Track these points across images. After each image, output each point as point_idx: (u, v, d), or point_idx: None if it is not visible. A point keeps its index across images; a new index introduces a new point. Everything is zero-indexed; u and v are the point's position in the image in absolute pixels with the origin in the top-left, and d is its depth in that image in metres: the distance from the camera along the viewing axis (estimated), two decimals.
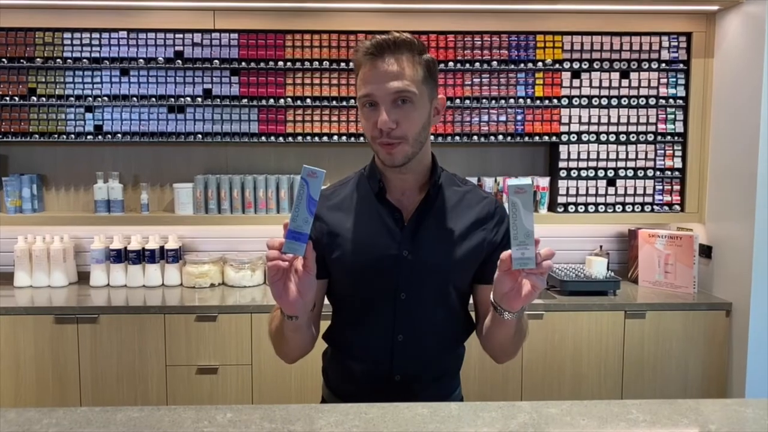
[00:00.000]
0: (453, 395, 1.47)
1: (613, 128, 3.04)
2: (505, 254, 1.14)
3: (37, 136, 2.95)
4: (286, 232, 1.13)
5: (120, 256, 3.01)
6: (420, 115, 1.30)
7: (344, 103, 2.98)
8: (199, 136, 2.98)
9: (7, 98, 2.92)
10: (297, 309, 1.20)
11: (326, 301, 1.44)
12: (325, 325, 1.46)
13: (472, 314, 1.47)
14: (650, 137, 3.05)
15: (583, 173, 3.05)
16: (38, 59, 2.91)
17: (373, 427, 1.15)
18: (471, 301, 1.46)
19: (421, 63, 1.29)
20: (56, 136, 2.96)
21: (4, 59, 2.90)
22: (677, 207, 3.08)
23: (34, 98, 2.93)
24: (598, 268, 2.96)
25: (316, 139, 3.00)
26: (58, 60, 2.92)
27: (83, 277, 3.12)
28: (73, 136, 2.95)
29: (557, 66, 3.00)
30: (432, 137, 2.95)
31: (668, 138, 3.06)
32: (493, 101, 3.01)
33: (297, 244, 1.12)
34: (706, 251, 2.98)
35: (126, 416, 1.19)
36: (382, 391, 1.37)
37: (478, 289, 1.42)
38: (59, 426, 1.15)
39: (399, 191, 1.38)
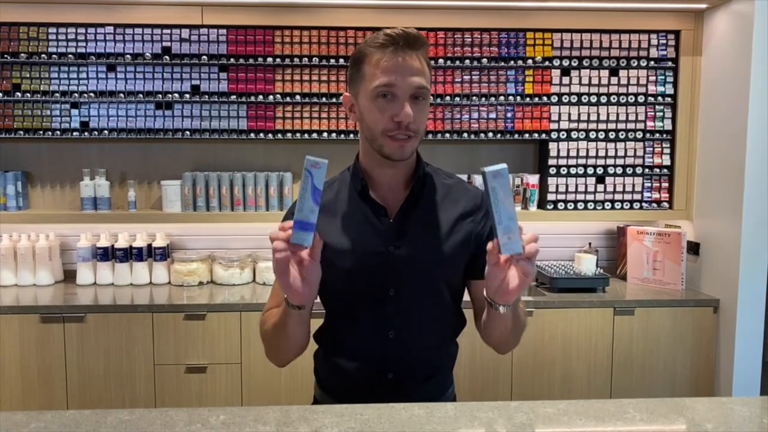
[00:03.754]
0: (446, 393, 1.47)
1: (602, 125, 3.05)
2: (491, 244, 1.13)
3: (21, 132, 2.90)
4: (293, 223, 1.12)
5: (107, 254, 2.97)
6: (427, 111, 1.33)
7: (333, 100, 2.96)
8: (187, 132, 2.95)
9: None
10: (305, 298, 1.19)
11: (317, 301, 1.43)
12: (315, 324, 1.45)
13: (466, 311, 1.46)
14: (639, 135, 3.07)
15: (573, 170, 3.06)
16: (23, 54, 2.86)
17: (369, 428, 1.14)
18: (467, 297, 1.45)
19: (428, 62, 1.33)
20: (41, 132, 2.91)
21: None
22: (665, 204, 3.10)
23: (19, 94, 2.89)
24: (587, 265, 2.97)
25: (306, 135, 2.98)
26: (43, 55, 2.87)
27: (69, 276, 3.08)
28: (58, 132, 2.91)
29: (547, 63, 3.01)
30: None
31: (657, 135, 3.07)
32: (483, 98, 3.00)
33: (305, 234, 1.11)
34: (694, 248, 3.00)
35: (116, 419, 1.17)
36: (375, 390, 1.36)
37: (472, 284, 1.41)
38: (48, 430, 1.13)
39: (385, 188, 1.38)
